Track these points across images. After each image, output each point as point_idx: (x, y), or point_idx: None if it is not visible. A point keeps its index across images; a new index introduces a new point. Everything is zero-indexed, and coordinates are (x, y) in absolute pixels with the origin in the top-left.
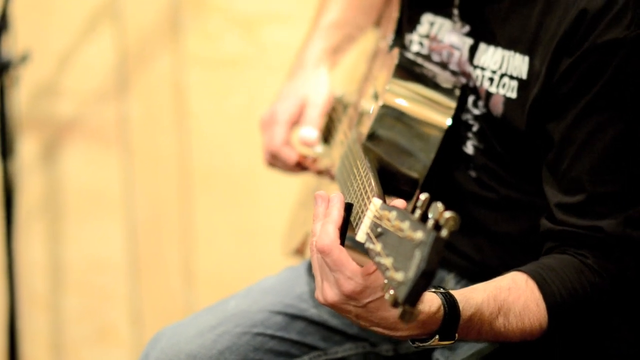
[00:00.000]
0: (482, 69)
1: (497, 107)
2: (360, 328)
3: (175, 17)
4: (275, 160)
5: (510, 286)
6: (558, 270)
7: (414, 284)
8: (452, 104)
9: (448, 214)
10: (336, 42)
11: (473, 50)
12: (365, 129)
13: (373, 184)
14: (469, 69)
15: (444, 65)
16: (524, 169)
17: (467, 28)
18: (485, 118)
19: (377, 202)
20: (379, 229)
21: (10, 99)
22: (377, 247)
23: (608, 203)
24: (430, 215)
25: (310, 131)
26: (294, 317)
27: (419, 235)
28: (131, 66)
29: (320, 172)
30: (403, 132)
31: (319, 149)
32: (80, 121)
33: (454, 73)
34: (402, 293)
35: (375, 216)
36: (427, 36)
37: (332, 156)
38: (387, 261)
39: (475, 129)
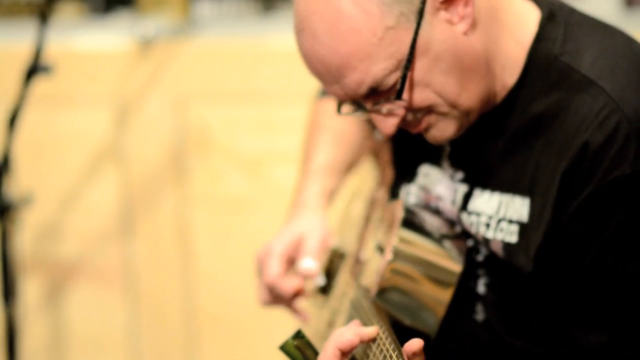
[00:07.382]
0: (478, 214)
1: (498, 252)
2: None
3: (180, 157)
4: (271, 296)
5: None
6: None
7: None
8: (459, 258)
9: None
10: (330, 185)
11: (467, 196)
12: (367, 281)
13: None
14: (463, 215)
15: (440, 216)
16: (529, 314)
17: (460, 175)
18: (491, 259)
19: None
20: None
21: (12, 241)
22: None
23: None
24: None
25: (310, 262)
26: None
27: None
28: (135, 207)
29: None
30: (413, 289)
31: (321, 280)
32: (84, 263)
33: (451, 223)
34: None
35: None
36: (423, 188)
37: (332, 308)
38: None
39: (485, 268)
